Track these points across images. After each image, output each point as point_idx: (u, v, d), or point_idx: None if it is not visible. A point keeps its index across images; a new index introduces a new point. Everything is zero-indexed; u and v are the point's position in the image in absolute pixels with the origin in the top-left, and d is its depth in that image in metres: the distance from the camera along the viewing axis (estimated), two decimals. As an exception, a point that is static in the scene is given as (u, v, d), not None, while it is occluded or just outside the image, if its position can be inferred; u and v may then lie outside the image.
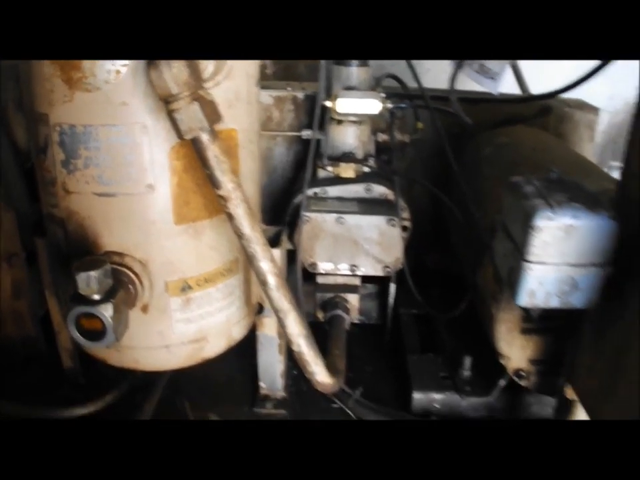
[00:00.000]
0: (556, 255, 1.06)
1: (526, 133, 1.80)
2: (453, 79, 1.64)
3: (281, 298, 1.22)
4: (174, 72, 1.02)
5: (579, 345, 1.25)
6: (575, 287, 1.08)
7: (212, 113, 1.10)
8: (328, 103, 1.53)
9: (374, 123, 1.71)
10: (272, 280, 1.20)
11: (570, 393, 1.28)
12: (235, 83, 1.23)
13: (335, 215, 1.55)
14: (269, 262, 1.19)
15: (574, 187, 1.12)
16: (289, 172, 1.82)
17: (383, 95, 1.61)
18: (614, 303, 1.11)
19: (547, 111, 1.91)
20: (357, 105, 1.52)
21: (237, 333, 1.45)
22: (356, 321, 1.86)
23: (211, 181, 1.12)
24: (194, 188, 1.19)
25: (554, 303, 1.10)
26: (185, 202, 1.21)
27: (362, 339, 1.91)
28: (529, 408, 1.59)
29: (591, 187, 1.14)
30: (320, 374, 1.30)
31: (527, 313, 1.25)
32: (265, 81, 1.93)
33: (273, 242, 1.48)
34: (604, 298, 1.12)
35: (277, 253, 1.44)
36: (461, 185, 1.50)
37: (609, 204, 1.09)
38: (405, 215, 1.62)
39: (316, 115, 1.52)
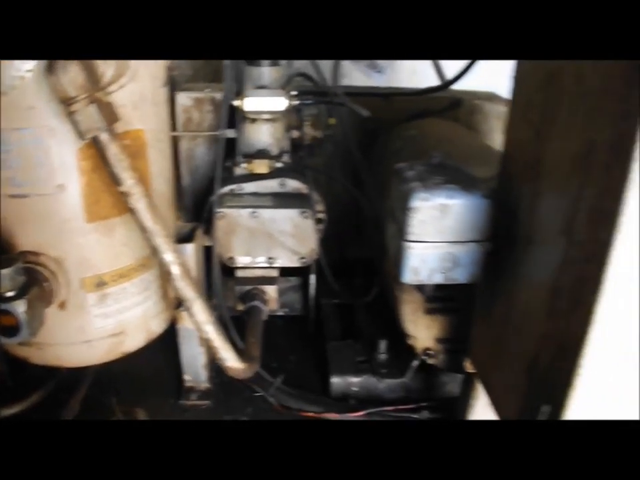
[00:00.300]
0: (434, 234, 1.12)
1: (435, 125, 1.87)
2: (335, 72, 1.69)
3: (185, 287, 1.27)
4: (71, 76, 1.08)
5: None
6: (457, 262, 1.15)
7: (110, 113, 1.16)
8: (236, 102, 1.58)
9: (289, 121, 1.77)
10: (175, 270, 1.26)
11: (469, 366, 1.35)
12: (140, 85, 1.28)
13: (249, 210, 1.60)
14: (172, 253, 1.25)
15: (453, 170, 1.19)
16: (210, 171, 1.86)
17: (295, 92, 1.67)
18: (497, 276, 1.18)
19: (457, 104, 1.99)
20: (263, 103, 1.57)
21: (156, 326, 1.49)
22: (280, 313, 1.92)
23: (113, 178, 1.18)
24: (103, 187, 1.24)
25: (437, 278, 1.16)
26: (95, 200, 1.25)
27: (286, 330, 1.97)
28: (444, 387, 1.65)
29: (478, 171, 1.21)
30: (230, 359, 1.34)
31: (427, 293, 1.30)
32: (186, 84, 1.99)
33: (188, 238, 1.53)
34: (488, 271, 1.19)
35: (190, 247, 1.49)
36: (364, 176, 1.57)
37: (487, 185, 1.15)
38: (319, 207, 1.67)
39: (223, 114, 1.58)
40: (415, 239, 1.12)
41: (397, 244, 1.15)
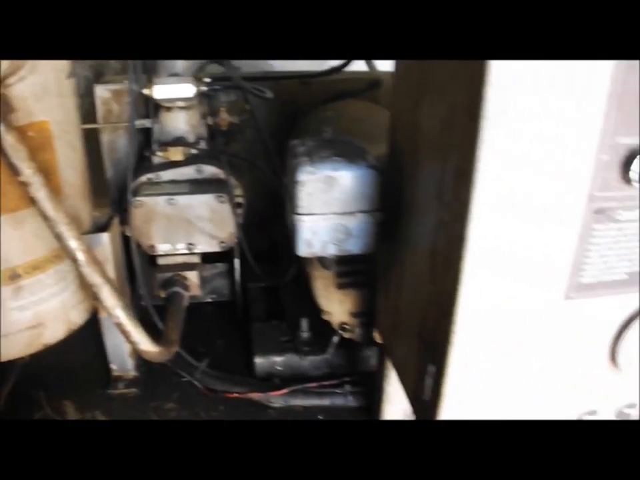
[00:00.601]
0: (322, 206, 1.14)
1: (352, 106, 1.90)
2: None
3: (91, 273, 1.28)
4: (-38, 70, 1.08)
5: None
6: (349, 233, 1.17)
7: (4, 105, 1.17)
8: (146, 91, 1.59)
9: (205, 108, 1.78)
10: (81, 256, 1.27)
11: (377, 337, 1.37)
12: (42, 78, 1.28)
13: (165, 197, 1.61)
14: (76, 240, 1.25)
15: (344, 144, 1.21)
16: (133, 163, 1.87)
17: (208, 79, 1.69)
18: (390, 246, 1.21)
19: (376, 84, 2.01)
20: (171, 90, 1.59)
21: (77, 317, 1.50)
22: (209, 299, 1.94)
23: (11, 169, 1.18)
24: (8, 180, 1.24)
25: (331, 250, 1.19)
26: (3, 193, 1.26)
27: (215, 315, 1.99)
28: (368, 361, 1.68)
29: (384, 147, 1.23)
30: (143, 343, 1.36)
31: (328, 267, 1.33)
32: (106, 77, 2.00)
33: (104, 227, 1.54)
34: (384, 242, 1.21)
35: (106, 236, 1.50)
36: (274, 159, 1.59)
37: (374, 156, 1.18)
38: (238, 192, 1.69)
39: (131, 104, 1.59)
40: (304, 212, 1.14)
41: (290, 218, 1.18)
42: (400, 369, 1.24)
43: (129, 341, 1.36)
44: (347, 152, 1.16)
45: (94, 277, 1.29)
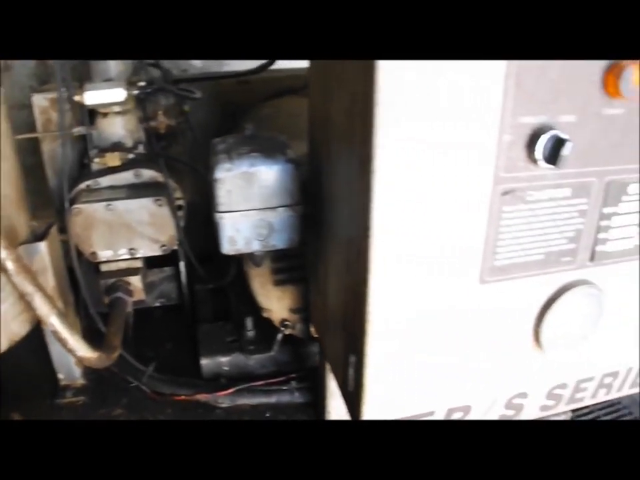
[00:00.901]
0: (243, 203, 1.15)
1: (290, 103, 1.90)
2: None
3: (22, 282, 1.28)
4: None
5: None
6: (272, 229, 1.18)
7: None
8: (77, 98, 1.59)
9: (143, 112, 1.78)
10: (10, 266, 1.26)
11: (314, 332, 1.38)
12: (-36, 89, 1.28)
13: (103, 203, 1.61)
14: (5, 250, 1.25)
15: (264, 140, 1.22)
16: (75, 170, 1.86)
17: (143, 83, 1.68)
18: (316, 239, 1.22)
19: (315, 82, 2.02)
20: (102, 95, 1.58)
21: (18, 327, 1.49)
22: (157, 304, 1.94)
23: None
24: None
25: (255, 246, 1.19)
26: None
27: (164, 319, 1.98)
28: (314, 357, 1.68)
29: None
30: (80, 349, 1.35)
31: (258, 263, 1.33)
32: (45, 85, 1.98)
33: (42, 236, 1.53)
34: (309, 235, 1.22)
35: (44, 245, 1.50)
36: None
37: (294, 150, 1.19)
38: (178, 194, 1.69)
39: (60, 111, 1.59)
40: (225, 209, 1.14)
41: (213, 217, 1.18)
42: (332, 362, 1.25)
43: (66, 348, 1.36)
44: (266, 147, 1.17)
45: (25, 286, 1.28)
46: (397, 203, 0.88)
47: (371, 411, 1.03)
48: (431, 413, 1.09)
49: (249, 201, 1.14)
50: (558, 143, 0.90)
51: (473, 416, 1.13)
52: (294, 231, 1.19)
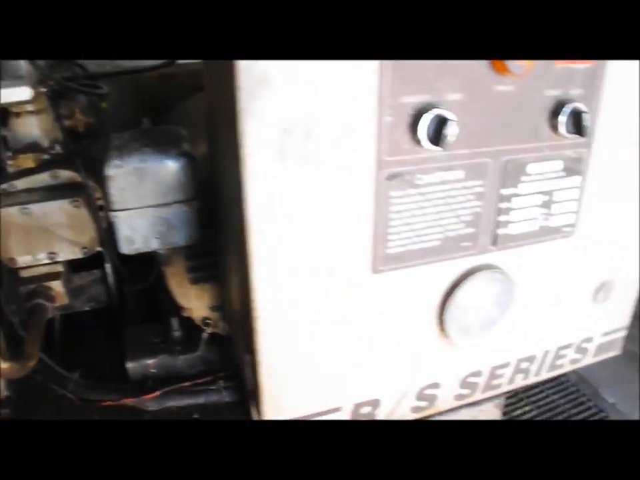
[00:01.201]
0: (137, 200, 1.10)
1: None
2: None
3: None
4: None
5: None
6: (170, 225, 1.13)
7: None
8: (-19, 98, 1.53)
9: (59, 110, 1.73)
10: None
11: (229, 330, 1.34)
12: None
13: (18, 207, 1.56)
14: None
15: (160, 134, 1.18)
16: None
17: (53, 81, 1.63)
18: (218, 234, 1.18)
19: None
20: (6, 94, 1.52)
21: None
22: (87, 308, 1.88)
23: None
24: None
25: (155, 244, 1.15)
26: None
27: (93, 323, 1.93)
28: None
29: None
30: (-6, 361, 1.31)
31: (163, 262, 1.29)
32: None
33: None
34: (211, 230, 1.18)
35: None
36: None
37: (188, 144, 1.15)
38: (98, 194, 1.64)
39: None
40: (119, 208, 1.10)
41: (108, 215, 1.14)
42: (240, 361, 1.21)
43: (-23, 359, 1.31)
44: (160, 142, 1.13)
45: None
46: (272, 194, 0.85)
47: (271, 409, 1.00)
48: (338, 409, 1.06)
49: (143, 198, 1.10)
50: (441, 123, 0.86)
51: (383, 409, 1.10)
52: (192, 227, 1.15)
